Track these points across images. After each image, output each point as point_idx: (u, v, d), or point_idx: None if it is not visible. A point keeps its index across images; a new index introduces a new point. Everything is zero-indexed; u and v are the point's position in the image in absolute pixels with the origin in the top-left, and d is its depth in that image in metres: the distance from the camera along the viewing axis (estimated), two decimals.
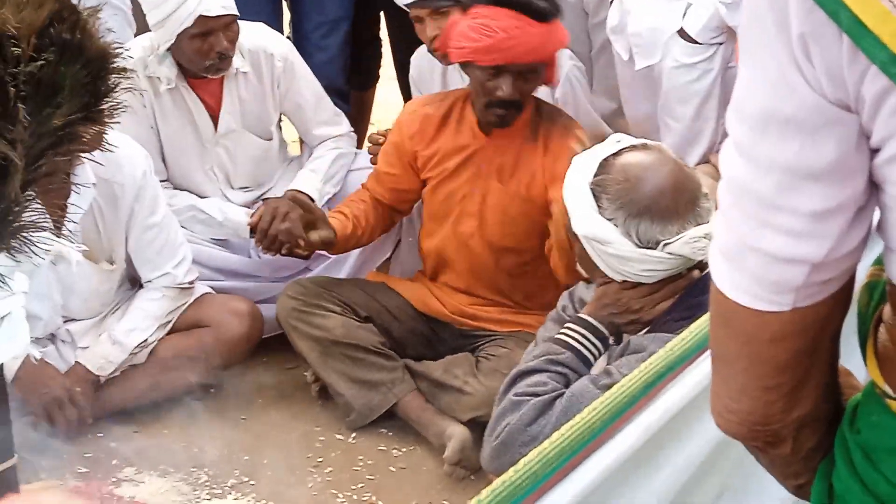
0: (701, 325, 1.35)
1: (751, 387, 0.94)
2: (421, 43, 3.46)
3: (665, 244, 1.96)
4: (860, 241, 0.89)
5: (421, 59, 3.47)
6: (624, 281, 2.03)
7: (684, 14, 3.15)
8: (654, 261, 1.97)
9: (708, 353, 1.33)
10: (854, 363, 1.02)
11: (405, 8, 3.29)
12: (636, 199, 1.95)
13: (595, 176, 1.99)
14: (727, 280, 0.91)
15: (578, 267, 2.12)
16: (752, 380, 0.94)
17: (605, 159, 2.01)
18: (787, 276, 0.88)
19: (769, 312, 0.90)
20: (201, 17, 3.05)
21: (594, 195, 1.98)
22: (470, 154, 2.95)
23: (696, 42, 3.15)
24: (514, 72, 2.77)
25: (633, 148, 2.03)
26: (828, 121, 0.82)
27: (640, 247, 1.97)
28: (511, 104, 2.82)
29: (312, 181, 3.38)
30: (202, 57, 3.13)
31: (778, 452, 0.99)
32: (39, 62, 1.27)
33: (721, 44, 3.15)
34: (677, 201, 1.96)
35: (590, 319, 2.05)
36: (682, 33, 3.16)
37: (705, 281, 2.00)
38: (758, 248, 0.87)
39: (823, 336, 0.93)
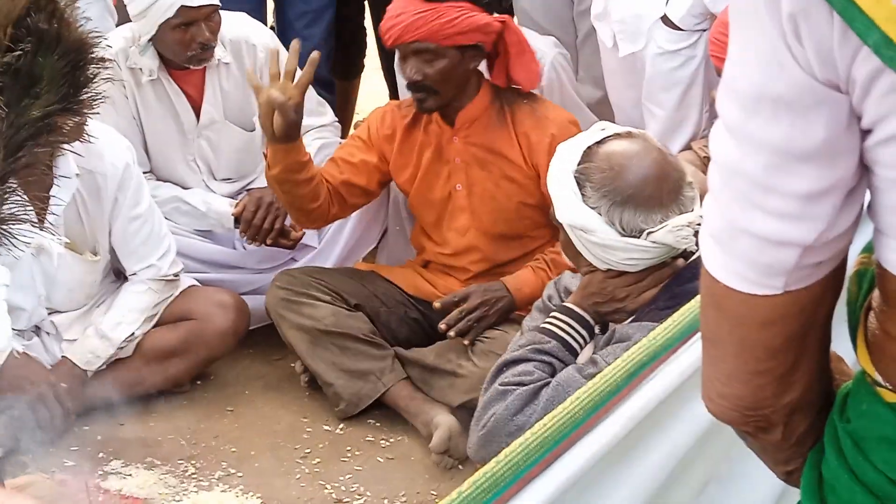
0: (684, 313, 1.35)
1: (741, 371, 0.94)
2: None
3: (649, 233, 1.95)
4: (851, 223, 0.88)
5: None
6: (608, 270, 2.03)
7: (667, 1, 3.15)
8: (638, 249, 1.97)
9: (691, 341, 1.33)
10: (845, 349, 1.01)
11: None
12: (620, 188, 1.95)
13: (579, 164, 1.99)
14: (718, 263, 0.91)
15: (563, 255, 2.12)
16: (743, 364, 0.93)
17: (589, 147, 2.00)
18: (779, 259, 0.87)
19: (760, 296, 0.89)
20: (183, 7, 3.03)
21: (578, 183, 1.98)
22: (441, 148, 2.95)
23: (679, 29, 3.15)
24: (408, 52, 2.80)
25: (617, 136, 2.03)
26: (818, 101, 0.82)
27: (623, 235, 1.97)
28: (421, 87, 2.83)
29: None
30: (184, 48, 3.11)
31: (769, 438, 0.99)
32: (16, 52, 1.26)
33: (705, 30, 3.15)
34: (661, 190, 1.96)
35: (575, 308, 2.05)
36: (665, 20, 3.15)
37: (690, 269, 2.00)
38: (748, 231, 0.87)
39: (815, 320, 0.92)
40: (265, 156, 2.90)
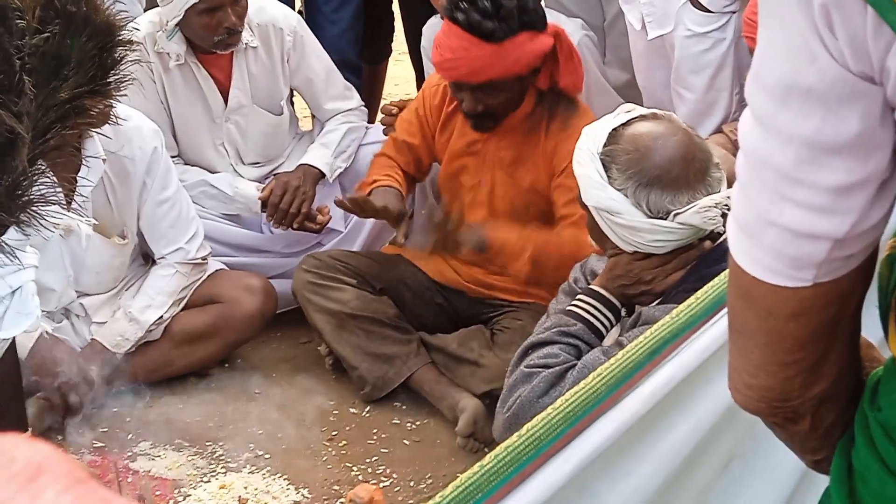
0: (707, 291, 1.34)
1: (769, 362, 0.92)
2: (433, 14, 3.44)
3: (675, 214, 1.94)
4: (883, 215, 0.85)
5: (433, 29, 3.45)
6: (635, 252, 2.02)
7: None
8: (665, 231, 1.96)
9: (714, 319, 1.31)
10: (876, 336, 1.00)
11: None
12: (646, 169, 1.94)
13: (604, 146, 1.98)
14: (746, 255, 0.89)
15: (589, 238, 2.11)
16: (771, 355, 0.92)
17: (615, 129, 1.99)
18: (808, 252, 0.85)
19: (789, 288, 0.87)
20: None
21: (604, 165, 1.97)
22: (474, 142, 2.94)
23: (708, 11, 3.12)
24: (471, 88, 2.75)
25: (642, 118, 2.01)
26: (851, 93, 0.79)
27: (650, 217, 1.95)
28: (478, 115, 2.80)
29: (323, 155, 3.37)
30: (211, 32, 3.12)
31: (797, 429, 0.97)
32: (45, 34, 1.26)
33: (734, 12, 3.12)
34: (687, 171, 1.95)
35: (601, 291, 2.04)
36: (694, 2, 3.12)
37: (717, 251, 1.99)
38: (777, 223, 0.85)
39: (845, 311, 0.91)
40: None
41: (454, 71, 2.72)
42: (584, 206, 2.03)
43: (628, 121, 2.00)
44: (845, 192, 0.82)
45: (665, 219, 1.95)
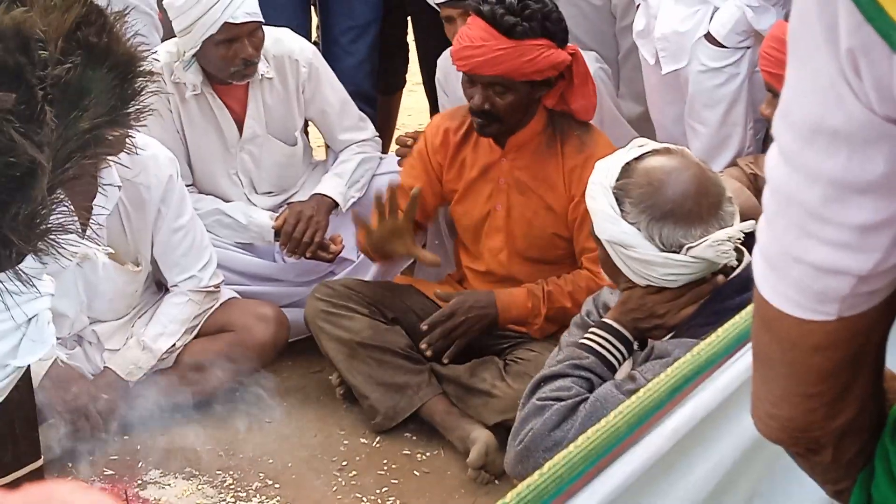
0: (728, 329, 1.34)
1: (792, 393, 0.93)
2: (447, 46, 3.47)
3: (689, 248, 1.94)
4: None
5: (447, 61, 3.47)
6: (648, 286, 2.02)
7: (711, 18, 3.14)
8: (678, 265, 1.96)
9: (736, 357, 1.31)
10: None
11: (436, 7, 3.29)
12: (659, 203, 1.95)
13: (617, 180, 1.99)
14: (770, 287, 0.89)
15: (602, 271, 2.12)
16: (794, 386, 0.92)
17: (628, 163, 2.00)
18: (832, 287, 0.86)
19: (813, 321, 0.88)
20: (227, 24, 3.07)
21: (617, 199, 1.98)
22: (488, 167, 2.96)
23: (722, 46, 3.13)
24: (482, 83, 2.79)
25: (655, 152, 2.02)
26: (877, 135, 0.80)
27: (663, 251, 1.96)
28: (485, 114, 2.83)
29: (337, 185, 3.39)
30: (227, 63, 3.15)
31: (819, 459, 0.98)
32: (66, 65, 1.28)
33: (748, 48, 3.13)
34: (700, 204, 1.95)
35: (614, 324, 2.04)
36: (708, 37, 3.14)
37: (730, 286, 1.99)
38: (802, 259, 0.85)
39: (868, 345, 0.91)
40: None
41: (470, 60, 2.77)
42: (597, 240, 2.04)
43: (641, 155, 2.01)
44: (871, 230, 0.83)
45: (678, 252, 1.95)
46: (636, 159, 2.01)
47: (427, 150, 3.05)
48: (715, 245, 1.93)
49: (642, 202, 1.95)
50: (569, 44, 2.83)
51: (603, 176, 2.01)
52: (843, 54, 0.79)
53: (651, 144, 2.06)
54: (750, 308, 1.40)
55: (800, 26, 0.83)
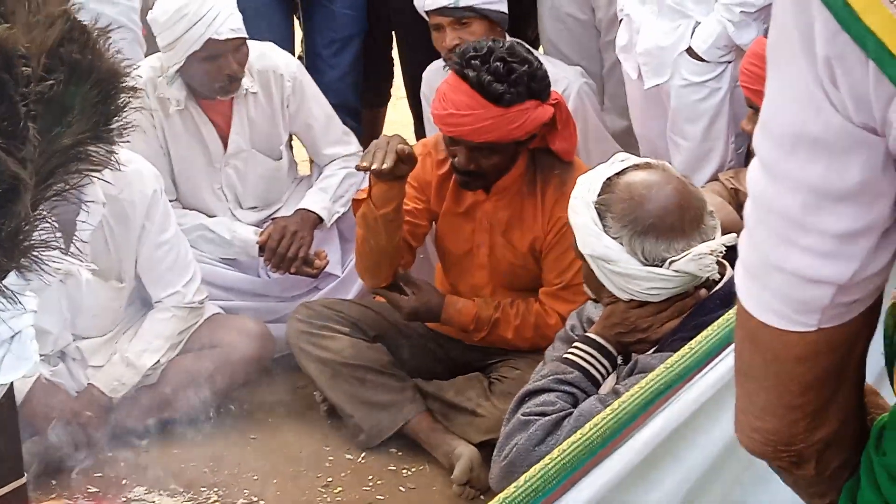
0: (700, 342, 1.36)
1: (775, 405, 0.93)
2: (432, 60, 3.48)
3: (671, 261, 1.96)
4: (886, 262, 0.87)
5: (433, 74, 3.48)
6: (631, 300, 2.03)
7: (692, 33, 3.16)
8: (661, 279, 1.97)
9: (706, 370, 1.33)
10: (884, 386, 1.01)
11: (424, 15, 3.30)
12: (640, 217, 1.96)
13: (599, 195, 2.00)
14: (752, 298, 0.91)
15: (585, 287, 2.12)
16: (777, 398, 0.93)
17: (609, 178, 2.01)
18: (813, 297, 0.87)
19: (794, 332, 0.89)
20: (210, 40, 3.07)
21: (599, 214, 1.99)
22: (472, 206, 2.91)
23: (704, 61, 3.16)
24: (468, 146, 2.72)
25: (636, 167, 2.04)
26: (854, 143, 0.81)
27: (645, 265, 1.97)
28: (469, 173, 2.77)
29: (321, 200, 3.39)
30: (211, 79, 3.15)
31: (802, 472, 0.98)
32: (49, 82, 1.28)
33: (730, 62, 3.16)
34: (682, 218, 1.97)
35: (598, 339, 2.05)
36: (690, 52, 3.16)
37: (713, 300, 2.00)
38: (783, 268, 0.87)
39: (850, 356, 0.92)
40: (369, 196, 2.79)
41: (457, 128, 2.69)
42: (580, 255, 2.05)
43: (623, 170, 2.03)
44: (849, 238, 0.84)
45: (660, 266, 1.96)
46: (617, 174, 2.02)
47: (416, 185, 2.95)
48: (697, 258, 1.94)
49: (624, 217, 1.97)
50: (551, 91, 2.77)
51: (585, 191, 2.02)
52: (820, 63, 0.80)
53: (632, 159, 2.07)
54: (721, 321, 1.42)
55: (778, 37, 0.84)
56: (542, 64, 2.76)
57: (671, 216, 1.96)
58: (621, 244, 1.97)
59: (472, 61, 2.66)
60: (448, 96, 2.69)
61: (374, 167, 2.67)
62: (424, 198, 2.96)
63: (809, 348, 0.90)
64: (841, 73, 0.80)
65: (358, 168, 2.79)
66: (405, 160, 2.69)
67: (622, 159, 2.07)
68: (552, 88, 3.01)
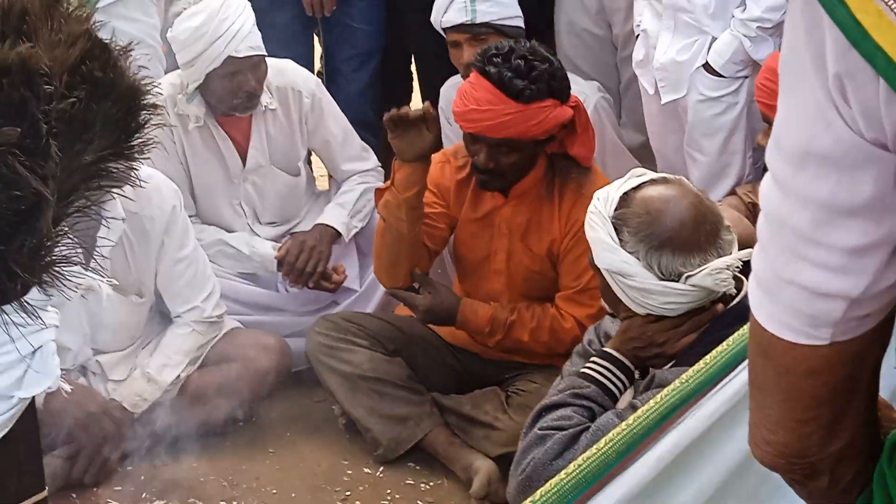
0: (715, 357, 1.36)
1: (788, 418, 0.94)
2: (450, 75, 3.49)
3: (687, 276, 1.96)
4: None
5: (450, 90, 3.50)
6: (647, 314, 2.03)
7: (709, 48, 3.16)
8: (677, 293, 1.97)
9: (720, 385, 1.33)
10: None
11: (441, 32, 3.31)
12: (657, 232, 1.96)
13: (616, 209, 2.00)
14: (765, 312, 0.91)
15: (602, 301, 2.13)
16: (789, 411, 0.93)
17: (626, 193, 2.02)
18: (825, 311, 0.87)
19: (807, 346, 0.89)
20: (230, 57, 3.09)
21: (615, 228, 1.99)
22: (490, 212, 2.94)
23: (720, 76, 3.16)
24: (488, 143, 2.75)
25: (653, 182, 2.04)
26: (865, 159, 0.82)
27: (662, 279, 1.97)
28: (489, 172, 2.80)
29: (339, 215, 3.40)
30: (231, 96, 3.17)
31: (816, 485, 0.98)
32: (71, 99, 1.29)
33: (746, 77, 3.16)
34: (699, 233, 1.97)
35: (615, 353, 2.05)
36: (707, 67, 3.17)
37: (730, 314, 2.00)
38: (795, 282, 0.87)
39: (862, 370, 0.92)
40: (392, 183, 2.86)
41: (477, 123, 2.72)
42: (596, 269, 2.05)
43: (639, 184, 2.03)
44: (860, 252, 0.85)
45: (677, 281, 1.96)
46: (634, 189, 2.02)
47: (435, 190, 2.99)
48: (714, 273, 1.94)
49: (641, 231, 1.97)
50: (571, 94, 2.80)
51: (602, 205, 2.03)
52: (831, 80, 0.81)
53: (648, 174, 2.08)
54: (735, 336, 1.42)
55: (789, 55, 0.85)
56: (562, 65, 2.80)
57: (687, 231, 1.96)
58: (638, 259, 1.97)
59: (494, 59, 2.69)
60: (469, 93, 2.73)
61: (402, 110, 2.78)
62: (443, 202, 2.99)
63: (822, 362, 0.90)
64: (852, 89, 0.80)
65: (385, 118, 2.82)
66: (428, 119, 2.76)
67: (639, 174, 2.07)
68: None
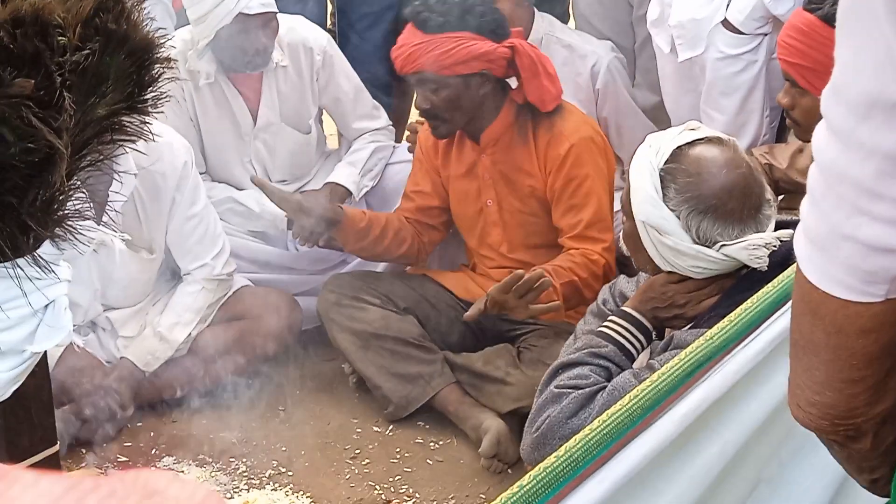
0: (739, 314, 1.34)
1: (835, 379, 0.92)
2: None
3: (722, 245, 1.92)
4: None
5: None
6: (671, 273, 2.00)
7: (728, 5, 3.12)
8: (708, 259, 1.93)
9: (744, 343, 1.31)
10: None
11: None
12: (703, 196, 1.90)
13: (666, 163, 1.94)
14: (817, 270, 0.89)
15: (621, 242, 2.08)
16: (838, 372, 0.92)
17: (680, 147, 1.94)
18: (883, 266, 0.85)
19: (861, 303, 0.87)
20: (241, 14, 3.06)
21: (662, 182, 1.93)
22: (471, 165, 2.98)
23: (740, 32, 3.11)
24: (417, 82, 2.84)
25: (708, 140, 1.95)
26: None
27: (696, 243, 1.93)
28: (428, 114, 2.87)
29: (350, 174, 3.38)
30: (241, 53, 3.15)
31: (857, 447, 0.97)
32: (85, 51, 1.27)
33: (766, 34, 3.11)
34: (743, 205, 1.91)
35: (633, 313, 2.03)
36: (726, 24, 3.12)
37: (751, 278, 1.96)
38: (853, 237, 0.85)
39: None
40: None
41: (398, 60, 2.83)
42: (629, 214, 2.00)
43: (694, 141, 1.96)
44: None
45: (711, 248, 1.92)
46: (688, 144, 1.95)
47: (423, 154, 3.08)
48: (750, 248, 1.89)
49: (687, 192, 1.91)
50: (513, 34, 2.82)
51: (652, 154, 1.95)
52: None
53: (705, 129, 2.00)
54: (759, 294, 1.40)
55: (855, 1, 0.82)
56: (495, 7, 2.83)
57: (733, 201, 1.90)
58: (678, 218, 1.91)
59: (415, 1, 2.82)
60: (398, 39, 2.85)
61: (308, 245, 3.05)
62: (432, 167, 3.01)
63: (875, 319, 0.88)
64: None
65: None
66: (330, 224, 2.97)
67: (693, 128, 2.00)
68: (582, 61, 3.00)
